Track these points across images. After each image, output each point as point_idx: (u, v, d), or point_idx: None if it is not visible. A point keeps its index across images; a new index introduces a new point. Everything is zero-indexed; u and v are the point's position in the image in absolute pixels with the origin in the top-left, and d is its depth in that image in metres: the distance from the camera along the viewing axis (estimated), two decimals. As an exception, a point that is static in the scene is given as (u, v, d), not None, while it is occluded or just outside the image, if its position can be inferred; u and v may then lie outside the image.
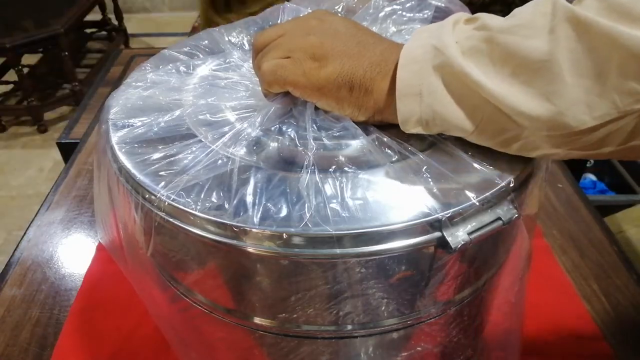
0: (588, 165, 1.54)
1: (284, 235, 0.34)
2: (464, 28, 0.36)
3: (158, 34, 3.29)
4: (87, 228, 0.79)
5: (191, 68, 0.51)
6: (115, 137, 0.43)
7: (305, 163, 0.37)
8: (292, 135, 0.41)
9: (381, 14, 0.52)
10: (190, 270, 0.42)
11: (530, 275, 0.46)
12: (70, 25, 2.38)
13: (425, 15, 0.51)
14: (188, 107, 0.45)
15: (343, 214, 0.34)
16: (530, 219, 0.42)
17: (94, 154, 0.48)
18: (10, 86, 2.58)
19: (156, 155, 0.40)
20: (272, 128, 0.42)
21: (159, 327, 0.52)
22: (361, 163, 0.38)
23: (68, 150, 1.04)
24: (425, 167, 0.37)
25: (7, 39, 2.18)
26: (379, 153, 0.38)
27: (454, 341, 0.46)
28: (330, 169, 0.37)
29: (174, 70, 0.50)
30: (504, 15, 0.35)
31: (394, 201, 0.35)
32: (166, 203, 0.36)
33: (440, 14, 0.50)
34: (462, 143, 0.39)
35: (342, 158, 0.38)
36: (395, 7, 0.52)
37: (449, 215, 0.34)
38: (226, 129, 0.41)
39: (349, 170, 0.37)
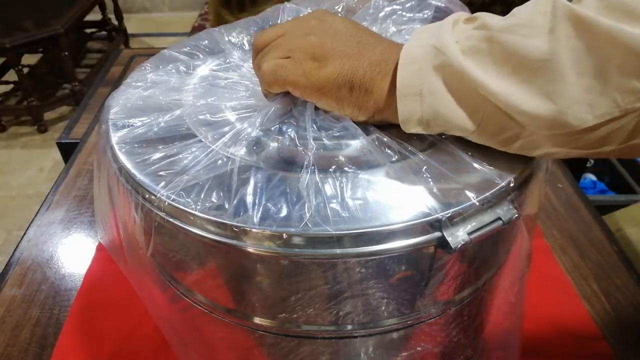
0: (588, 165, 1.54)
1: (284, 235, 0.34)
2: (464, 27, 0.36)
3: (158, 34, 3.29)
4: (87, 228, 0.79)
5: (191, 68, 0.51)
6: (115, 137, 0.43)
7: (305, 163, 0.37)
8: (292, 135, 0.41)
9: (381, 14, 0.52)
10: (190, 270, 0.42)
11: (530, 275, 0.46)
12: (70, 25, 2.38)
13: (425, 15, 0.51)
14: (188, 107, 0.45)
15: (343, 214, 0.34)
16: (530, 219, 0.42)
17: (94, 154, 0.48)
18: (10, 86, 2.58)
19: (156, 155, 0.40)
20: (272, 128, 0.42)
21: (159, 327, 0.52)
22: (361, 163, 0.38)
23: (68, 150, 1.04)
24: (425, 167, 0.37)
25: (7, 39, 2.18)
26: (379, 153, 0.38)
27: (454, 341, 0.46)
28: (330, 169, 0.37)
29: (174, 70, 0.50)
30: (504, 15, 0.35)
31: (394, 201, 0.35)
32: (166, 203, 0.36)
33: (440, 14, 0.50)
34: (462, 143, 0.39)
35: (342, 158, 0.38)
36: (395, 7, 0.52)
37: (449, 215, 0.34)
38: (226, 129, 0.41)
39: (349, 170, 0.37)
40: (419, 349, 0.44)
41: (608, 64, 0.30)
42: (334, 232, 0.33)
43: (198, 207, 0.35)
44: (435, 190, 0.36)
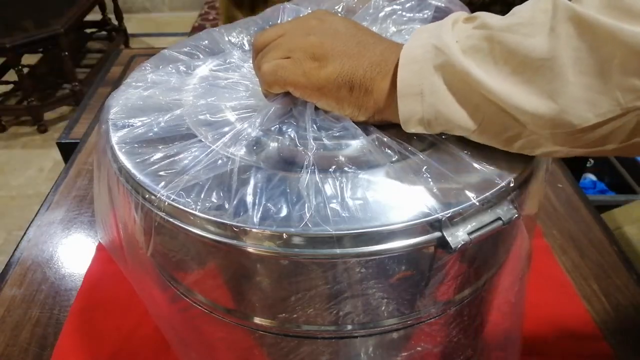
0: (588, 165, 1.54)
1: (284, 235, 0.34)
2: (464, 27, 0.36)
3: (158, 34, 3.29)
4: (87, 228, 0.79)
5: (191, 68, 0.51)
6: (115, 137, 0.43)
7: (305, 163, 0.37)
8: (292, 135, 0.41)
9: (381, 14, 0.52)
10: (190, 270, 0.42)
11: (530, 275, 0.46)
12: (70, 25, 2.38)
13: (425, 15, 0.51)
14: (188, 107, 0.45)
15: (343, 214, 0.34)
16: (530, 219, 0.42)
17: (94, 154, 0.48)
18: (10, 86, 2.58)
19: (156, 155, 0.40)
20: (272, 128, 0.42)
21: (159, 327, 0.52)
22: (361, 163, 0.38)
23: (68, 150, 1.04)
24: (425, 167, 0.37)
25: (7, 39, 2.18)
26: (379, 153, 0.38)
27: (454, 341, 0.46)
28: (330, 169, 0.37)
29: (174, 70, 0.50)
30: (503, 15, 0.35)
31: (394, 201, 0.35)
32: (166, 203, 0.36)
33: (440, 14, 0.50)
34: (462, 143, 0.39)
35: (342, 158, 0.38)
36: (395, 7, 0.52)
37: (449, 215, 0.34)
38: (226, 129, 0.41)
39: (349, 170, 0.37)
40: (419, 349, 0.44)
41: (609, 62, 0.30)
42: (334, 232, 0.33)
43: (198, 207, 0.35)
44: (435, 190, 0.36)
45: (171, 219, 0.36)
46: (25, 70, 2.43)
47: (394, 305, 0.39)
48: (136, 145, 0.41)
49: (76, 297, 0.68)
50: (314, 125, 0.40)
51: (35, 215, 0.81)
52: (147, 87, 0.48)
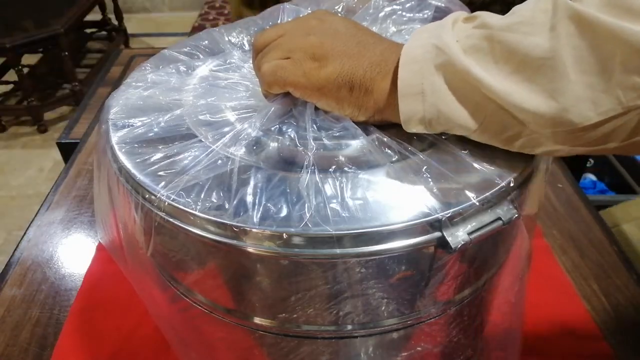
0: (588, 165, 1.54)
1: (284, 235, 0.34)
2: (464, 27, 0.36)
3: (158, 34, 3.29)
4: (87, 228, 0.79)
5: (191, 68, 0.51)
6: (115, 137, 0.43)
7: (305, 163, 0.37)
8: (292, 136, 0.41)
9: (381, 14, 0.52)
10: (190, 270, 0.42)
11: (530, 275, 0.46)
12: (70, 25, 2.38)
13: (425, 15, 0.51)
14: (188, 107, 0.45)
15: (343, 214, 0.34)
16: (530, 219, 0.42)
17: (94, 154, 0.48)
18: (10, 86, 2.58)
19: (156, 155, 0.40)
20: (272, 128, 0.42)
21: (159, 327, 0.52)
22: (361, 163, 0.38)
23: (68, 150, 1.04)
24: (425, 167, 0.37)
25: (7, 39, 2.18)
26: (379, 153, 0.38)
27: (454, 341, 0.46)
28: (330, 169, 0.37)
29: (174, 71, 0.50)
30: (503, 15, 0.35)
31: (394, 201, 0.35)
32: (166, 203, 0.36)
33: (440, 14, 0.50)
34: (462, 143, 0.39)
35: (342, 158, 0.38)
36: (395, 7, 0.52)
37: (449, 215, 0.34)
38: (226, 129, 0.41)
39: (349, 170, 0.37)
40: (419, 349, 0.44)
41: (610, 61, 0.30)
42: (334, 232, 0.33)
43: (198, 207, 0.35)
44: (435, 190, 0.36)
45: (171, 219, 0.36)
46: (25, 70, 2.43)
47: (394, 305, 0.39)
48: (136, 145, 0.41)
49: (76, 297, 0.68)
50: (314, 126, 0.40)
51: (35, 215, 0.81)
52: (147, 87, 0.48)
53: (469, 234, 0.35)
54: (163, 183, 0.37)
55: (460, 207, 0.35)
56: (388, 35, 0.50)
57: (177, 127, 0.43)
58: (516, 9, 0.35)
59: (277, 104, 0.42)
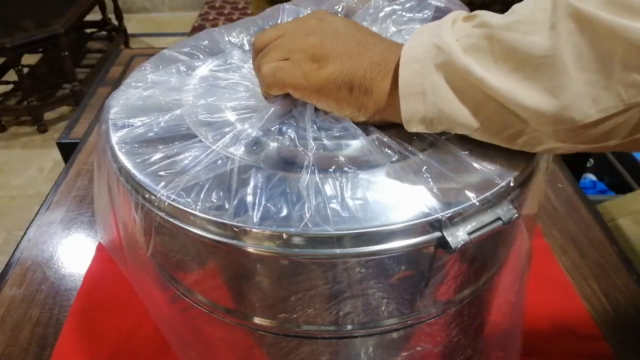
0: (588, 165, 1.54)
1: (284, 235, 0.34)
2: (463, 26, 0.36)
3: (158, 34, 3.29)
4: (87, 228, 0.79)
5: (191, 68, 0.51)
6: (115, 137, 0.43)
7: (305, 163, 0.37)
8: (292, 136, 0.41)
9: (381, 14, 0.52)
10: (190, 270, 0.42)
11: (530, 275, 0.46)
12: (70, 25, 2.38)
13: (425, 15, 0.51)
14: (188, 107, 0.45)
15: (343, 214, 0.34)
16: (530, 219, 0.42)
17: (94, 154, 0.48)
18: (10, 86, 2.58)
19: (156, 155, 0.40)
20: (272, 128, 0.42)
21: (159, 327, 0.52)
22: (361, 163, 0.38)
23: (68, 150, 1.04)
24: (425, 167, 0.37)
25: (7, 39, 2.18)
26: (379, 153, 0.38)
27: (454, 341, 0.46)
28: (330, 169, 0.37)
29: (174, 71, 0.50)
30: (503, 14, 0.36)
31: (394, 201, 0.35)
32: (166, 203, 0.36)
33: (440, 14, 0.50)
34: (462, 143, 0.39)
35: (342, 158, 0.38)
36: (395, 7, 0.52)
37: (449, 215, 0.34)
38: (226, 129, 0.41)
39: (349, 170, 0.37)
40: (419, 349, 0.44)
41: (610, 58, 0.30)
42: (334, 232, 0.33)
43: (198, 207, 0.35)
44: (435, 190, 0.36)
45: (171, 219, 0.36)
46: (25, 70, 2.43)
47: (394, 305, 0.39)
48: (136, 145, 0.41)
49: (76, 297, 0.68)
50: (314, 126, 0.40)
51: (35, 215, 0.81)
52: (147, 87, 0.48)
53: (469, 234, 0.35)
54: (163, 183, 0.37)
55: (460, 207, 0.35)
56: (388, 35, 0.50)
57: (177, 127, 0.43)
58: (515, 7, 0.35)
59: (277, 105, 0.42)
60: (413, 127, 0.37)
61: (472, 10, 0.43)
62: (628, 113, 0.31)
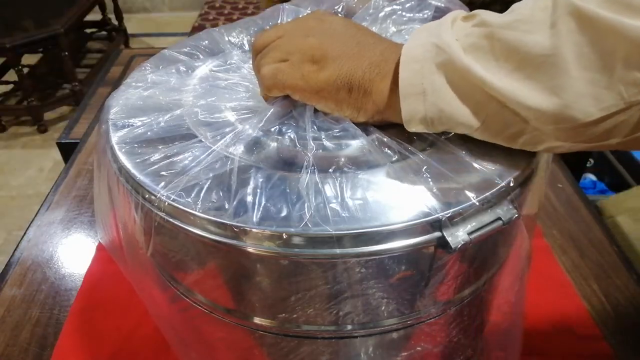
0: (588, 165, 1.54)
1: (284, 235, 0.34)
2: (463, 25, 0.36)
3: (158, 34, 3.29)
4: (87, 228, 0.79)
5: (191, 68, 0.51)
6: (115, 137, 0.43)
7: (305, 163, 0.37)
8: (292, 136, 0.41)
9: (381, 14, 0.52)
10: (190, 270, 0.42)
11: (530, 275, 0.46)
12: (70, 25, 2.37)
13: (425, 15, 0.51)
14: (188, 107, 0.45)
15: (343, 214, 0.34)
16: (530, 219, 0.42)
17: (94, 154, 0.48)
18: (10, 86, 2.58)
19: (156, 156, 0.40)
20: (272, 129, 0.42)
21: (159, 327, 0.52)
22: (361, 163, 0.38)
23: (68, 150, 1.04)
24: (425, 167, 0.37)
25: (7, 39, 2.18)
26: (379, 153, 0.38)
27: (454, 341, 0.46)
28: (330, 169, 0.37)
29: (174, 71, 0.50)
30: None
31: (394, 201, 0.35)
32: (166, 203, 0.36)
33: (440, 14, 0.50)
34: (462, 143, 0.39)
35: (342, 158, 0.38)
36: (395, 7, 0.52)
37: (449, 215, 0.34)
38: (227, 129, 0.41)
39: (349, 170, 0.37)
40: (419, 349, 0.44)
41: (611, 57, 0.30)
42: (334, 232, 0.33)
43: (198, 207, 0.35)
44: (435, 190, 0.36)
45: (171, 219, 0.36)
46: (25, 70, 2.43)
47: (394, 305, 0.39)
48: (136, 145, 0.41)
49: (76, 297, 0.68)
50: (314, 126, 0.40)
51: (35, 215, 0.81)
52: (147, 87, 0.48)
53: (469, 234, 0.35)
54: (163, 183, 0.37)
55: (460, 207, 0.35)
56: (388, 35, 0.50)
57: (177, 127, 0.43)
58: (515, 6, 0.35)
59: (276, 106, 0.42)
60: (413, 127, 0.37)
61: (471, 10, 0.43)
62: (629, 111, 0.31)
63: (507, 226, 0.36)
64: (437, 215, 0.34)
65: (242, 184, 0.37)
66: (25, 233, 0.78)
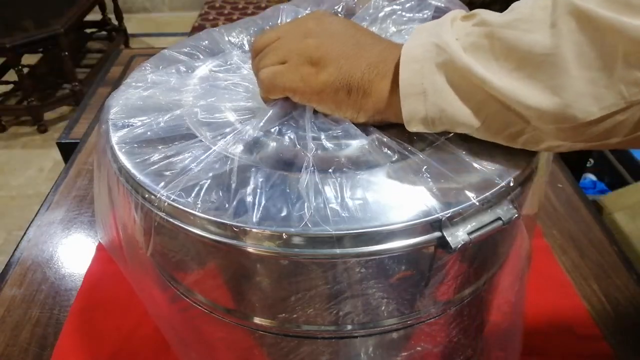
0: (588, 165, 1.54)
1: (284, 235, 0.34)
2: (463, 25, 0.36)
3: (158, 34, 3.29)
4: (87, 228, 0.79)
5: (191, 68, 0.51)
6: (115, 137, 0.43)
7: (305, 164, 0.37)
8: (292, 137, 0.41)
9: (381, 14, 0.52)
10: (190, 270, 0.42)
11: (530, 275, 0.46)
12: (70, 25, 2.37)
13: (425, 15, 0.51)
14: (188, 107, 0.45)
15: (343, 214, 0.34)
16: (530, 219, 0.42)
17: (94, 154, 0.48)
18: (10, 86, 2.58)
19: (156, 156, 0.40)
20: (272, 129, 0.42)
21: (159, 327, 0.52)
22: (361, 163, 0.38)
23: (68, 150, 1.04)
24: (425, 167, 0.37)
25: (7, 39, 2.18)
26: (379, 153, 0.38)
27: (454, 341, 0.46)
28: (330, 170, 0.37)
29: (174, 71, 0.50)
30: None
31: (394, 201, 0.35)
32: (166, 203, 0.36)
33: (440, 14, 0.50)
34: (462, 143, 0.39)
35: (341, 158, 0.38)
36: (395, 7, 0.52)
37: (449, 215, 0.34)
38: (227, 129, 0.41)
39: (349, 170, 0.37)
40: (419, 349, 0.44)
41: (611, 56, 0.30)
42: (334, 232, 0.33)
43: (198, 207, 0.35)
44: (435, 190, 0.36)
45: (171, 219, 0.36)
46: (25, 70, 2.42)
47: (394, 305, 0.39)
48: (136, 145, 0.41)
49: (76, 297, 0.68)
50: (314, 127, 0.40)
51: (35, 215, 0.81)
52: (147, 87, 0.48)
53: (469, 234, 0.34)
54: (163, 183, 0.37)
55: (460, 207, 0.35)
56: (388, 35, 0.50)
57: (177, 127, 0.43)
58: (515, 6, 0.35)
59: (276, 107, 0.42)
60: (414, 127, 0.37)
61: (471, 9, 0.43)
62: (629, 111, 0.31)
63: (507, 226, 0.36)
64: (437, 215, 0.34)
65: (242, 184, 0.37)
66: (25, 233, 0.78)
